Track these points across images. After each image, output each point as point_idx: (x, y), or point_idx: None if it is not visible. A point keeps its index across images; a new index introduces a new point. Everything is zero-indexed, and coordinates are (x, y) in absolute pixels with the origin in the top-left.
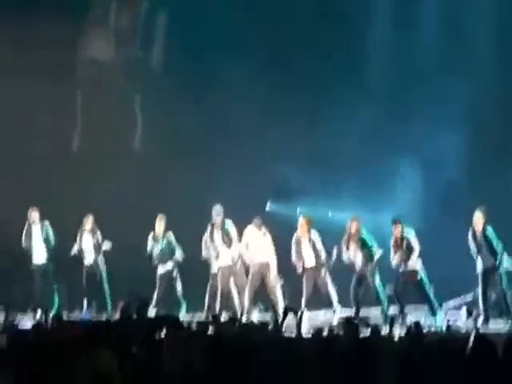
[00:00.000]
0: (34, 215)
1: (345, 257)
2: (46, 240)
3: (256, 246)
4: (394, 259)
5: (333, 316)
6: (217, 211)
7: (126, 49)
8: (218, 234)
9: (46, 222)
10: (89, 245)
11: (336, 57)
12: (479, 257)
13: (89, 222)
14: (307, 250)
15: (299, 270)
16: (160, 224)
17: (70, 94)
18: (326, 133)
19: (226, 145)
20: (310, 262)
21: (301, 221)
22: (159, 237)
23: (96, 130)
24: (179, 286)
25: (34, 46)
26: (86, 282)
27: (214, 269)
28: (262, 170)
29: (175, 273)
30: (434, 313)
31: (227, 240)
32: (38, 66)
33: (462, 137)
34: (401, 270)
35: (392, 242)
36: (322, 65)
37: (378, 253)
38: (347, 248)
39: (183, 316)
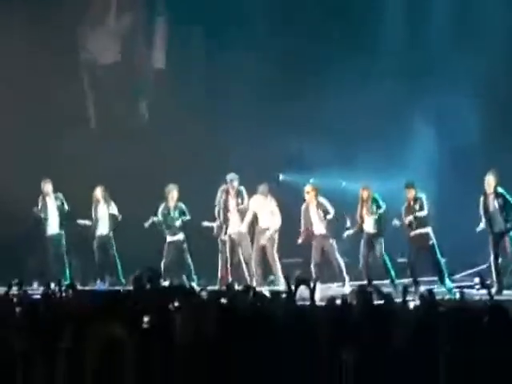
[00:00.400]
0: (48, 187)
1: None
2: (61, 211)
3: (262, 213)
4: (406, 219)
5: (343, 288)
6: (232, 177)
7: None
8: (232, 201)
9: (60, 194)
10: (102, 215)
11: (348, 29)
12: (490, 222)
13: (99, 193)
14: (315, 216)
15: (301, 239)
16: (173, 194)
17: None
18: (339, 104)
19: (238, 115)
20: (318, 229)
21: (307, 188)
22: (171, 207)
23: (105, 102)
24: (189, 259)
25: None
26: (98, 254)
27: (224, 236)
28: (275, 142)
29: (185, 245)
30: (443, 281)
31: (241, 206)
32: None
33: (476, 105)
34: (412, 234)
35: (405, 205)
36: (333, 36)
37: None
38: (360, 215)
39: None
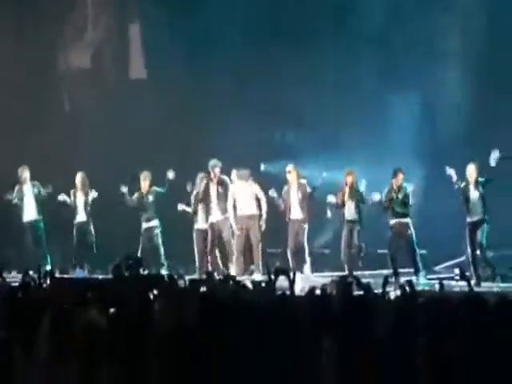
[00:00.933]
0: (25, 174)
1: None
2: (37, 198)
3: (243, 198)
4: (385, 203)
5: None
6: (214, 163)
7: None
8: (213, 188)
9: (36, 182)
10: (80, 202)
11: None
12: (469, 211)
13: (79, 180)
14: (295, 200)
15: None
16: (145, 181)
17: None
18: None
19: (220, 104)
20: (295, 213)
21: (289, 168)
22: (144, 193)
23: (83, 86)
24: (160, 246)
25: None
26: (77, 241)
27: (202, 224)
28: (256, 131)
29: (157, 231)
30: (417, 273)
31: (222, 193)
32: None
33: (462, 90)
34: (392, 222)
35: (388, 189)
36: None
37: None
38: (342, 200)
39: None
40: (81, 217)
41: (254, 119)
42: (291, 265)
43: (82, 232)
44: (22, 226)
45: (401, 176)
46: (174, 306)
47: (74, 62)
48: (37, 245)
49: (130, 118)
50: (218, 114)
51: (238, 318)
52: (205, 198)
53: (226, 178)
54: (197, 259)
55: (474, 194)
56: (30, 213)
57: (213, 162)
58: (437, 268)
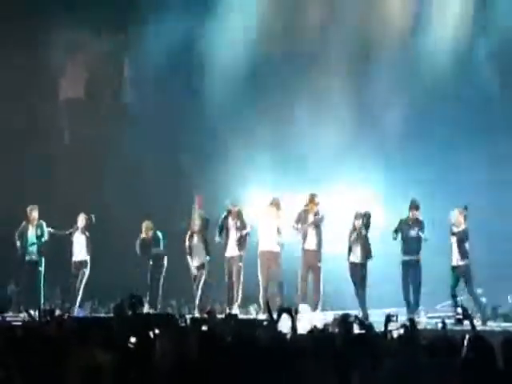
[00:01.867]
0: (34, 213)
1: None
2: (39, 238)
3: (267, 229)
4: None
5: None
6: (233, 200)
7: None
8: (232, 223)
9: (42, 222)
10: (80, 241)
11: None
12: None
13: (81, 220)
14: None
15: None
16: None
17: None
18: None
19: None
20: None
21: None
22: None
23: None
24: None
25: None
26: (74, 279)
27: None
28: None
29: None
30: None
31: (241, 229)
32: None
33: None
34: (405, 258)
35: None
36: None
37: None
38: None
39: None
40: (77, 256)
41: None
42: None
43: (79, 270)
44: (22, 265)
45: (416, 210)
46: (174, 345)
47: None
48: (35, 284)
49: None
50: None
51: (239, 358)
52: (225, 232)
53: (244, 213)
54: (198, 297)
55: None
56: (31, 252)
57: (232, 199)
58: (438, 306)
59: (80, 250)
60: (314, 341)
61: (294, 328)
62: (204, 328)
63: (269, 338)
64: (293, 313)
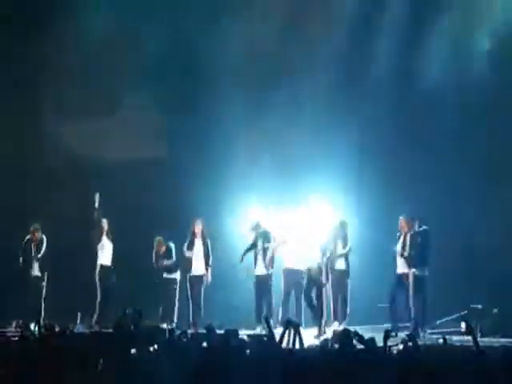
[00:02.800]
0: (37, 234)
1: None
2: (41, 256)
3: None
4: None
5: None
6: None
7: None
8: (259, 243)
9: (44, 237)
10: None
11: None
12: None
13: (105, 225)
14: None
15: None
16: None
17: None
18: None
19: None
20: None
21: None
22: (35, 241)
23: None
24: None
25: None
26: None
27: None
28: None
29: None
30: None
31: (266, 249)
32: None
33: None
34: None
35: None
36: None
37: None
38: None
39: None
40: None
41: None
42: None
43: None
44: (25, 280)
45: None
46: (174, 360)
47: None
48: (36, 300)
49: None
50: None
51: (239, 373)
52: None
53: (269, 232)
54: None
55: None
56: (34, 269)
57: (257, 222)
58: (438, 322)
59: (107, 254)
60: (314, 355)
61: (293, 341)
62: (204, 344)
63: (268, 354)
64: (299, 327)
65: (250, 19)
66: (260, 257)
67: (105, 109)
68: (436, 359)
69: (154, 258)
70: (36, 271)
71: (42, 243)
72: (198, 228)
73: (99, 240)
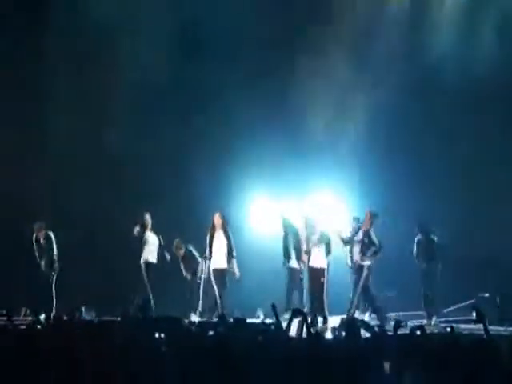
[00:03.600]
0: (41, 233)
1: None
2: (49, 252)
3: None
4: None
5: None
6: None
7: None
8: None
9: (51, 235)
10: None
11: None
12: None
13: (148, 219)
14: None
15: None
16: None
17: None
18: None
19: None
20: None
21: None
22: (42, 238)
23: None
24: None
25: None
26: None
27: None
28: None
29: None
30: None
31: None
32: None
33: None
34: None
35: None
36: None
37: None
38: None
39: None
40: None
41: None
42: None
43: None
44: (36, 272)
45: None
46: (181, 349)
47: None
48: (46, 292)
49: None
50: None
51: (246, 361)
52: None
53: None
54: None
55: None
56: (42, 264)
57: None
58: (445, 311)
59: (152, 250)
60: (321, 344)
61: (308, 331)
62: (211, 333)
63: (274, 343)
64: (307, 316)
65: None
66: (292, 250)
67: None
68: (440, 345)
69: (181, 266)
70: (47, 265)
71: (51, 240)
72: (218, 221)
73: (143, 235)
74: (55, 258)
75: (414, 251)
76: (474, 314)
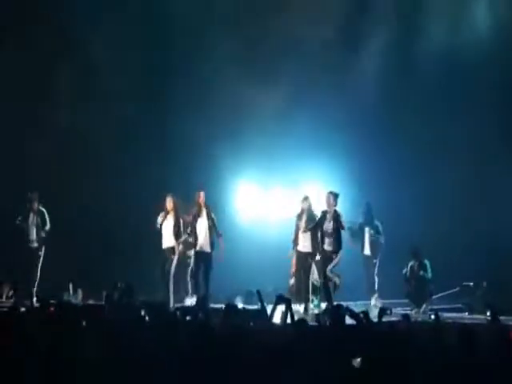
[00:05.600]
0: (34, 204)
1: None
2: (39, 227)
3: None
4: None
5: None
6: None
7: None
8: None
9: (43, 209)
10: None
11: None
12: None
13: (170, 203)
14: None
15: None
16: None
17: None
18: None
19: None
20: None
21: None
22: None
23: None
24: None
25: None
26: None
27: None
28: None
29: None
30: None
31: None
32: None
33: None
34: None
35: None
36: None
37: None
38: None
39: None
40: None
41: None
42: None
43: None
44: (25, 249)
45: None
46: (165, 333)
47: None
48: (32, 271)
49: None
50: None
51: (229, 346)
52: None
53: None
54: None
55: None
56: (32, 239)
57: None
58: (434, 297)
59: (170, 235)
60: (305, 331)
61: (292, 318)
62: (188, 318)
63: (259, 329)
64: (291, 303)
65: None
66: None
67: None
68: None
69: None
70: (34, 243)
71: (44, 216)
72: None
73: (162, 220)
74: (44, 234)
75: (404, 273)
76: (488, 313)
